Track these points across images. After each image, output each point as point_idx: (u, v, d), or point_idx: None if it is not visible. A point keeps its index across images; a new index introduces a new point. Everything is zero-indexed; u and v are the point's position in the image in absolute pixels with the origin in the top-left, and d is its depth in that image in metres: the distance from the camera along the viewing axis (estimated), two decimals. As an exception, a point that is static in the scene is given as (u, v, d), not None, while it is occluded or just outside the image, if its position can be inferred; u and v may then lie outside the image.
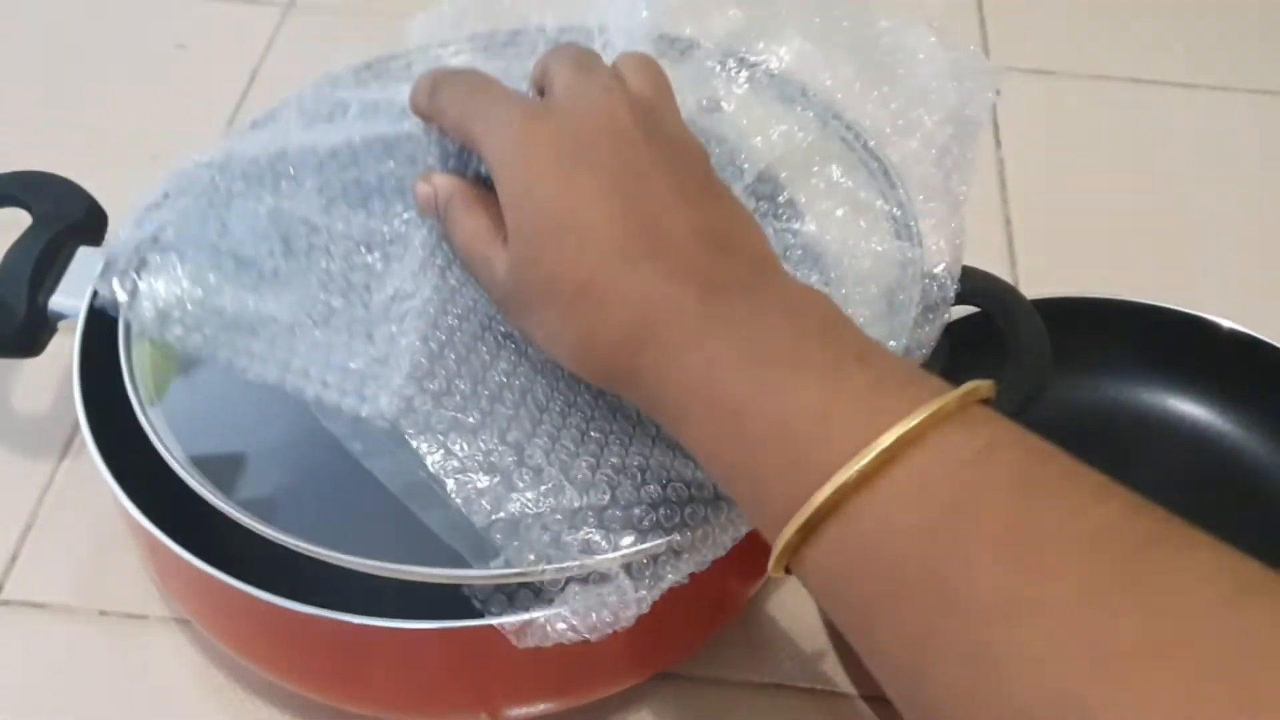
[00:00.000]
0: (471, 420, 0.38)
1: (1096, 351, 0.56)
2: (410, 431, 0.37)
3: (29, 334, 0.47)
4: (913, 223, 0.45)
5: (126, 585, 0.51)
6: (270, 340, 0.41)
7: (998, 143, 0.72)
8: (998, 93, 0.48)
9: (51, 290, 0.47)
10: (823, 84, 0.48)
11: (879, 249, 0.44)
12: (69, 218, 0.48)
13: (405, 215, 0.42)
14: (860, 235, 0.45)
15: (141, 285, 0.43)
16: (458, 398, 0.38)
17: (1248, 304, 0.61)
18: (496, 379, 0.39)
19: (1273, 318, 0.57)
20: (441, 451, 0.37)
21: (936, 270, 0.44)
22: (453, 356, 0.39)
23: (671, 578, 0.38)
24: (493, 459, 0.38)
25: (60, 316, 0.48)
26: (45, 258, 0.47)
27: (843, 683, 0.50)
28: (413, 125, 0.42)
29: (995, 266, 0.63)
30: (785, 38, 0.49)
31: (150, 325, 0.43)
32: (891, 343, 0.42)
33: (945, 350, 0.44)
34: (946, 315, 0.44)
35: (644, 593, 0.37)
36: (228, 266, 0.43)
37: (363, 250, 0.42)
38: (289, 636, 0.41)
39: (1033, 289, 0.62)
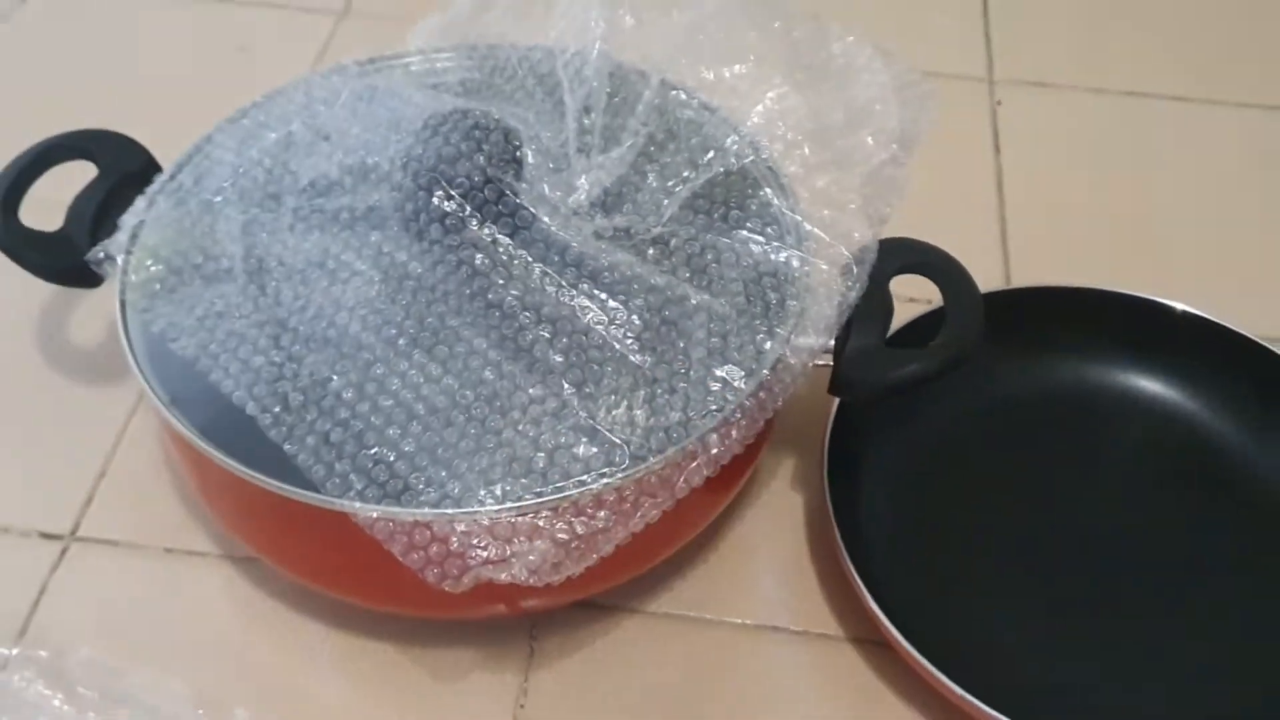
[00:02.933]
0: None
1: (1077, 336, 0.61)
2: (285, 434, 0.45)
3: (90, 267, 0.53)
4: (811, 235, 0.52)
5: (187, 526, 0.57)
6: (201, 321, 0.49)
7: (996, 149, 0.77)
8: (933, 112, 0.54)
9: (112, 230, 0.53)
10: (768, 103, 0.54)
11: (773, 257, 0.51)
12: (128, 169, 0.56)
13: (354, 244, 0.49)
14: (761, 246, 0.51)
15: (132, 259, 0.52)
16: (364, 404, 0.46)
17: (1220, 294, 0.66)
18: (417, 391, 0.46)
19: (1244, 305, 0.62)
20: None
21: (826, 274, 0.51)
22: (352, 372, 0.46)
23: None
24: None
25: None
26: (108, 202, 0.54)
27: (830, 626, 0.55)
28: (382, 160, 0.50)
29: (989, 258, 0.70)
30: (737, 55, 0.55)
31: (131, 288, 0.51)
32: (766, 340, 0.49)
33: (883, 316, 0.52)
34: (848, 302, 0.51)
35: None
36: (197, 257, 0.51)
37: (310, 267, 0.49)
38: (311, 531, 0.48)
39: (1021, 279, 0.68)
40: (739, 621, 0.55)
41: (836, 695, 0.53)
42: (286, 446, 0.45)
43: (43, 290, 0.62)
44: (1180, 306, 0.60)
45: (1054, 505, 0.57)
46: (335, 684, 0.53)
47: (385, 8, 0.84)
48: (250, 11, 0.85)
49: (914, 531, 0.56)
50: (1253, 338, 0.59)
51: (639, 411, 0.47)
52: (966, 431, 0.60)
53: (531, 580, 0.44)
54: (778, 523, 0.59)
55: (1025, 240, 0.71)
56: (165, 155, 0.57)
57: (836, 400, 0.57)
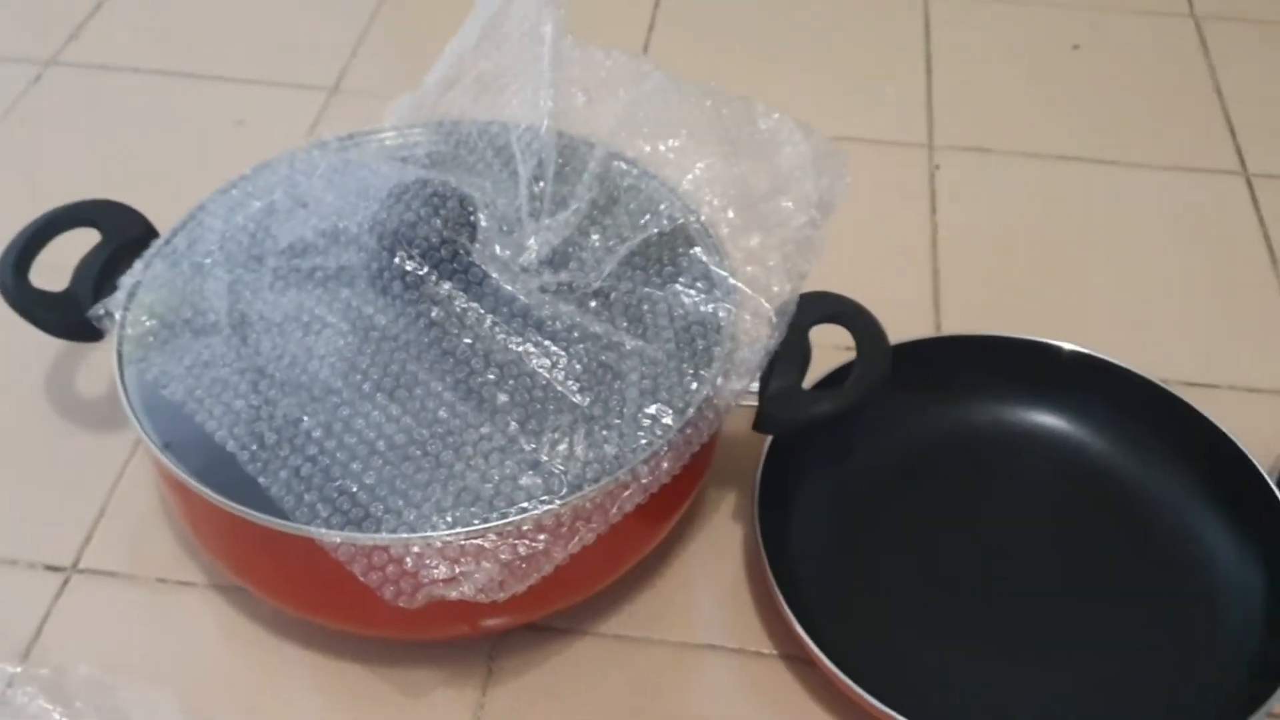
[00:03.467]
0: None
1: (991, 379, 0.67)
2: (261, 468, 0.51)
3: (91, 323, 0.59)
4: (735, 289, 0.58)
5: (179, 559, 0.63)
6: (189, 369, 0.55)
7: (933, 209, 0.83)
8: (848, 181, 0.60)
9: (113, 290, 0.59)
10: (697, 172, 0.60)
11: (703, 309, 0.57)
12: (129, 235, 0.62)
13: (326, 299, 0.55)
14: (692, 299, 0.58)
15: (129, 315, 0.58)
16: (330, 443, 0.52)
17: (1135, 340, 0.72)
18: (380, 430, 0.52)
19: (1156, 350, 0.69)
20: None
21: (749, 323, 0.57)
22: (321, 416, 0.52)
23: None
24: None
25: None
26: (109, 264, 0.61)
27: (764, 645, 0.60)
28: (352, 224, 0.56)
29: (922, 310, 0.75)
30: (672, 130, 0.61)
31: (128, 341, 0.57)
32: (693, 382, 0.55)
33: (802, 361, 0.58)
34: (769, 349, 0.57)
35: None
36: (187, 313, 0.57)
37: (287, 321, 0.55)
38: (284, 557, 0.53)
39: (952, 329, 0.73)
40: (681, 641, 0.61)
41: (768, 708, 0.58)
42: (261, 480, 0.51)
43: (52, 345, 0.68)
44: (1069, 346, 0.66)
45: (968, 533, 0.63)
46: (311, 700, 0.58)
47: (372, 85, 0.91)
48: (248, 88, 0.91)
49: (839, 558, 0.62)
50: (1141, 374, 0.65)
51: (578, 446, 0.52)
52: (890, 468, 0.65)
53: (479, 597, 0.50)
54: (718, 551, 0.64)
55: (956, 294, 0.77)
56: (166, 222, 0.64)
57: (768, 443, 0.63)
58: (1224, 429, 0.63)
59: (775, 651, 0.60)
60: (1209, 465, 0.63)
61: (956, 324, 0.75)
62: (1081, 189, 0.86)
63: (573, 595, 0.58)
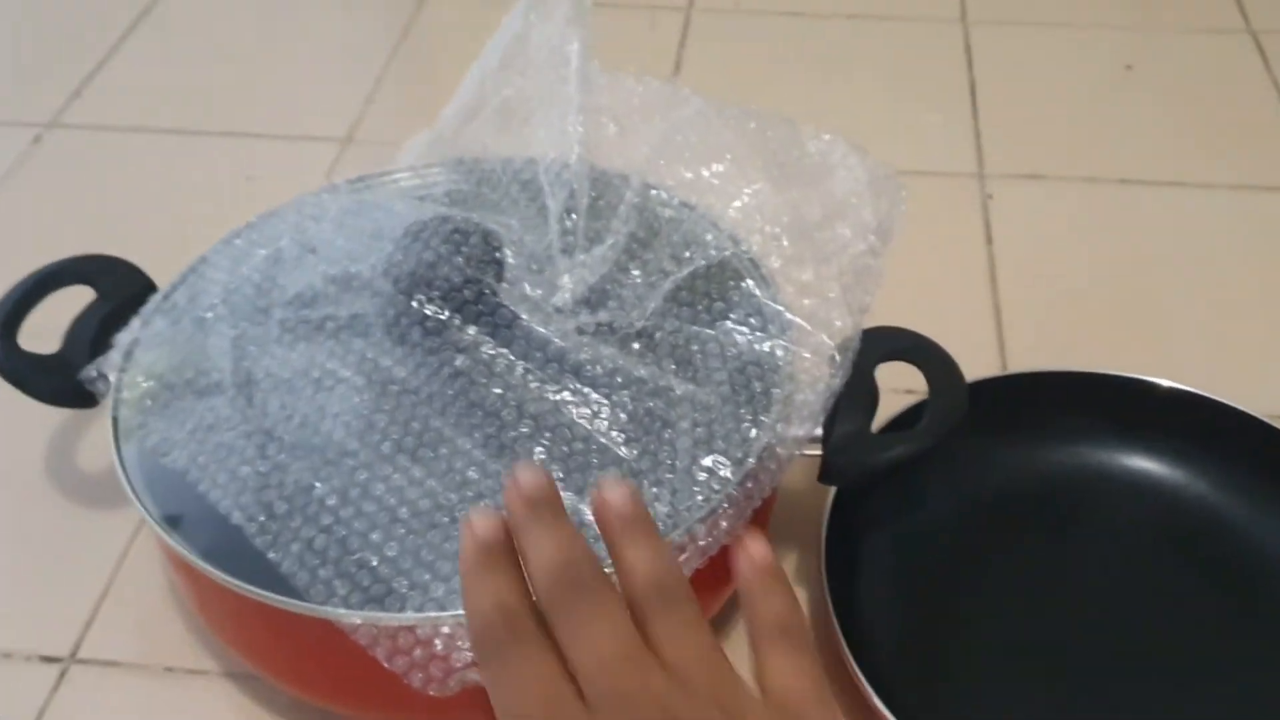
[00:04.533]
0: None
1: (1072, 420, 0.61)
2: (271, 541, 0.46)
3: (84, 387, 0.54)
4: (793, 324, 0.53)
5: (189, 644, 0.57)
6: (192, 434, 0.49)
7: (989, 240, 0.77)
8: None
9: (109, 349, 0.54)
10: (745, 199, 0.55)
11: (757, 348, 0.52)
12: (126, 293, 0.57)
13: (339, 352, 0.50)
14: (745, 337, 0.52)
15: (126, 377, 0.53)
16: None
17: (1218, 372, 0.65)
18: (402, 495, 0.46)
19: (1243, 382, 0.62)
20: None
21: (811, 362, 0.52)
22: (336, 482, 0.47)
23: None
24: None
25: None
26: (106, 324, 0.55)
27: None
28: (365, 268, 0.51)
29: (985, 347, 0.70)
30: (715, 155, 0.56)
31: (125, 405, 0.52)
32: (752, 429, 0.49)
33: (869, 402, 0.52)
34: (833, 390, 0.51)
35: None
36: (189, 373, 0.52)
37: (296, 377, 0.50)
38: (299, 640, 0.48)
39: (1017, 366, 0.67)
40: None
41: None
42: (271, 554, 0.46)
43: (52, 415, 0.63)
44: (1166, 382, 0.60)
45: (1058, 592, 0.56)
46: (332, 798, 0.52)
47: (385, 133, 0.86)
48: (259, 143, 0.87)
49: (918, 626, 0.55)
50: (1248, 411, 0.59)
51: (625, 505, 0.47)
52: (966, 521, 0.59)
53: (519, 680, 0.44)
54: (781, 619, 0.58)
55: (1020, 328, 0.71)
56: (168, 279, 0.58)
57: (832, 496, 0.57)
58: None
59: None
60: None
61: (1023, 361, 0.69)
62: (1146, 213, 0.80)
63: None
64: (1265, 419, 0.59)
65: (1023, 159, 0.84)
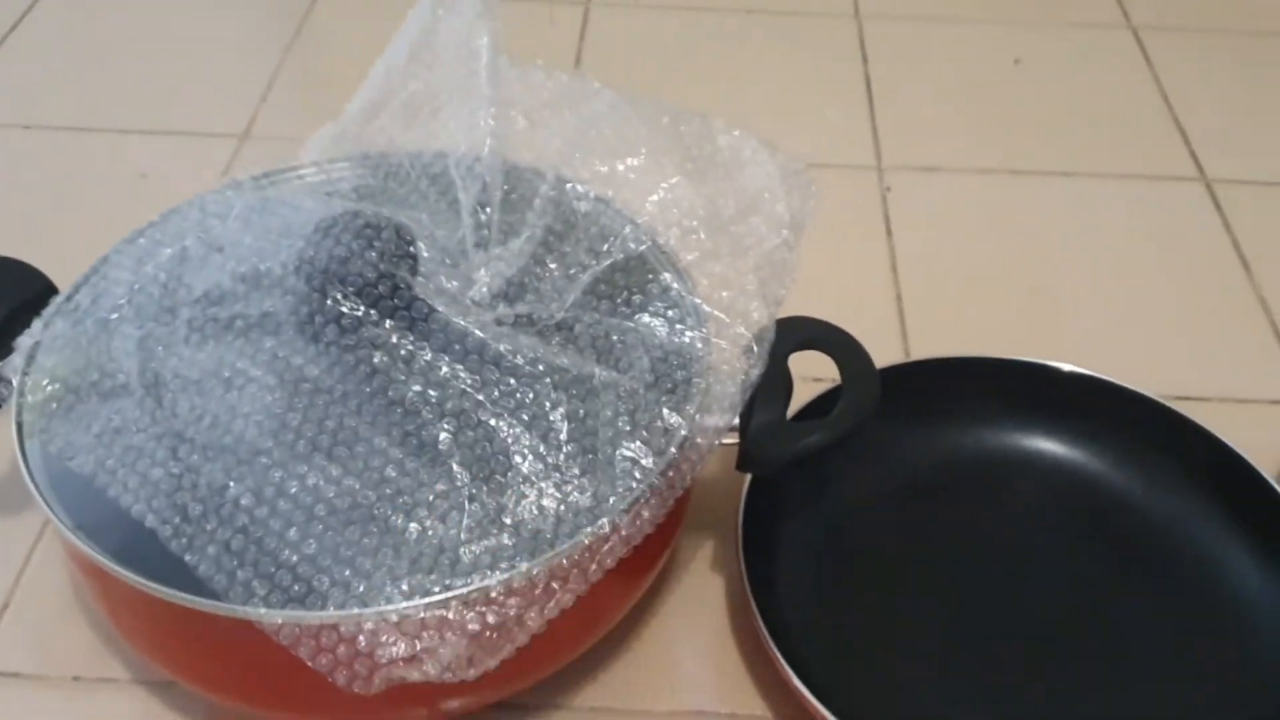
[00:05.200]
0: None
1: (975, 404, 0.63)
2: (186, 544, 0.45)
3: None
4: (711, 316, 0.53)
5: (98, 652, 0.56)
6: (98, 438, 0.48)
7: (889, 232, 0.79)
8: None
9: (9, 353, 0.52)
10: (662, 193, 0.56)
11: (676, 339, 0.52)
12: (25, 295, 0.55)
13: (249, 351, 0.49)
14: (665, 328, 0.53)
15: (28, 381, 0.51)
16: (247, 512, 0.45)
17: (1110, 354, 0.68)
18: (318, 494, 0.46)
19: (1134, 364, 0.64)
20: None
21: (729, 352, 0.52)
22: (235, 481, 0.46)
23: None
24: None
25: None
26: (5, 327, 0.53)
27: (758, 706, 0.55)
28: (274, 265, 0.50)
29: (888, 335, 0.71)
30: (630, 149, 0.56)
31: (28, 409, 0.50)
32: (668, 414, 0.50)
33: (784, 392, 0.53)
34: (750, 380, 0.52)
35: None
36: (93, 375, 0.50)
37: (206, 378, 0.49)
38: (219, 644, 0.47)
39: (920, 353, 0.69)
40: (666, 710, 0.55)
41: (767, 777, 0.53)
42: (187, 557, 0.45)
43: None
44: (1066, 367, 0.62)
45: (969, 569, 0.58)
46: (252, 805, 0.51)
47: (285, 129, 0.85)
48: (153, 139, 0.85)
49: (833, 604, 0.57)
50: (1140, 391, 0.61)
51: (548, 497, 0.47)
52: (877, 503, 0.60)
53: (445, 677, 0.44)
54: (699, 606, 0.59)
55: (921, 315, 0.73)
56: (68, 280, 0.57)
57: (748, 482, 0.58)
58: (1230, 444, 0.58)
59: (771, 713, 0.54)
60: (1218, 483, 0.59)
61: (925, 348, 0.71)
62: (1039, 202, 0.82)
63: (545, 668, 0.52)
64: (1155, 398, 0.61)
65: (919, 152, 0.86)
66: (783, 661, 0.51)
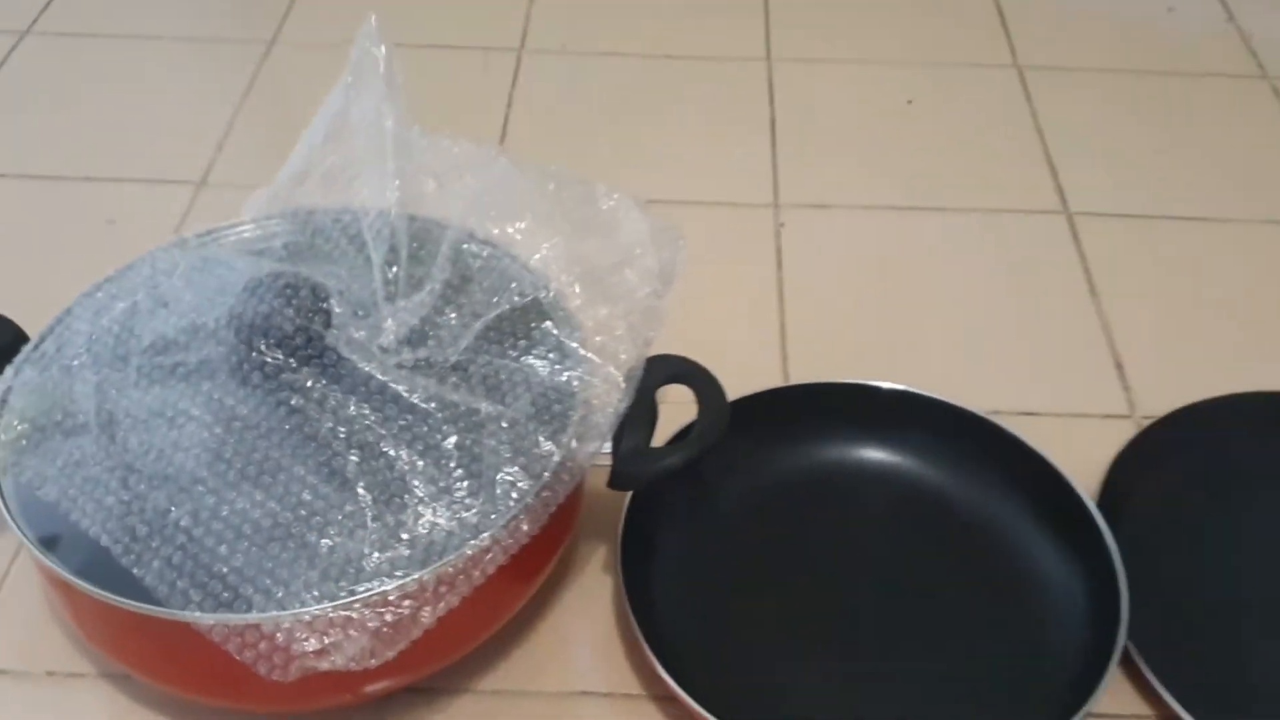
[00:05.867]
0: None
1: (823, 422, 0.72)
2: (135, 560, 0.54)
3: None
4: (585, 359, 0.62)
5: (67, 652, 0.65)
6: (61, 470, 0.57)
7: (779, 264, 0.88)
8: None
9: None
10: (544, 251, 0.65)
11: (556, 378, 0.61)
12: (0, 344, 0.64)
13: (189, 393, 0.58)
14: (546, 368, 0.62)
15: (1, 422, 0.60)
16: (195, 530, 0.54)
17: (967, 377, 0.77)
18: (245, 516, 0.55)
19: (983, 385, 0.75)
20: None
21: (601, 389, 0.61)
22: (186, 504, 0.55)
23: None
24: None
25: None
26: None
27: (634, 687, 0.64)
28: (210, 319, 0.60)
29: (771, 361, 0.80)
30: (518, 213, 0.65)
31: (2, 447, 0.59)
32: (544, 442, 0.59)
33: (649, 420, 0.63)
34: (619, 412, 0.61)
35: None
36: (57, 416, 0.60)
37: (152, 417, 0.58)
38: (164, 642, 0.56)
39: (799, 377, 0.78)
40: (557, 691, 0.64)
41: (641, 748, 0.62)
42: (135, 571, 0.54)
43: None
44: (887, 385, 0.72)
45: (815, 567, 0.68)
46: (201, 779, 0.60)
47: (237, 177, 0.94)
48: (118, 186, 0.94)
49: (699, 600, 0.66)
50: (961, 405, 0.71)
51: (440, 515, 0.56)
52: (741, 512, 0.70)
53: (350, 666, 0.53)
54: (590, 603, 0.68)
55: (803, 344, 0.82)
56: (39, 325, 0.65)
57: (629, 497, 0.67)
58: (1041, 452, 0.68)
59: (645, 693, 0.64)
60: (1030, 486, 0.68)
61: (803, 373, 0.79)
62: (913, 236, 0.91)
63: (448, 656, 0.61)
64: (979, 412, 0.71)
65: (812, 189, 0.95)
66: (649, 650, 0.60)
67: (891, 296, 0.87)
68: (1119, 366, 0.81)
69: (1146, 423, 0.75)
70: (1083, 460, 0.70)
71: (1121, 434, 0.74)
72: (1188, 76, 1.07)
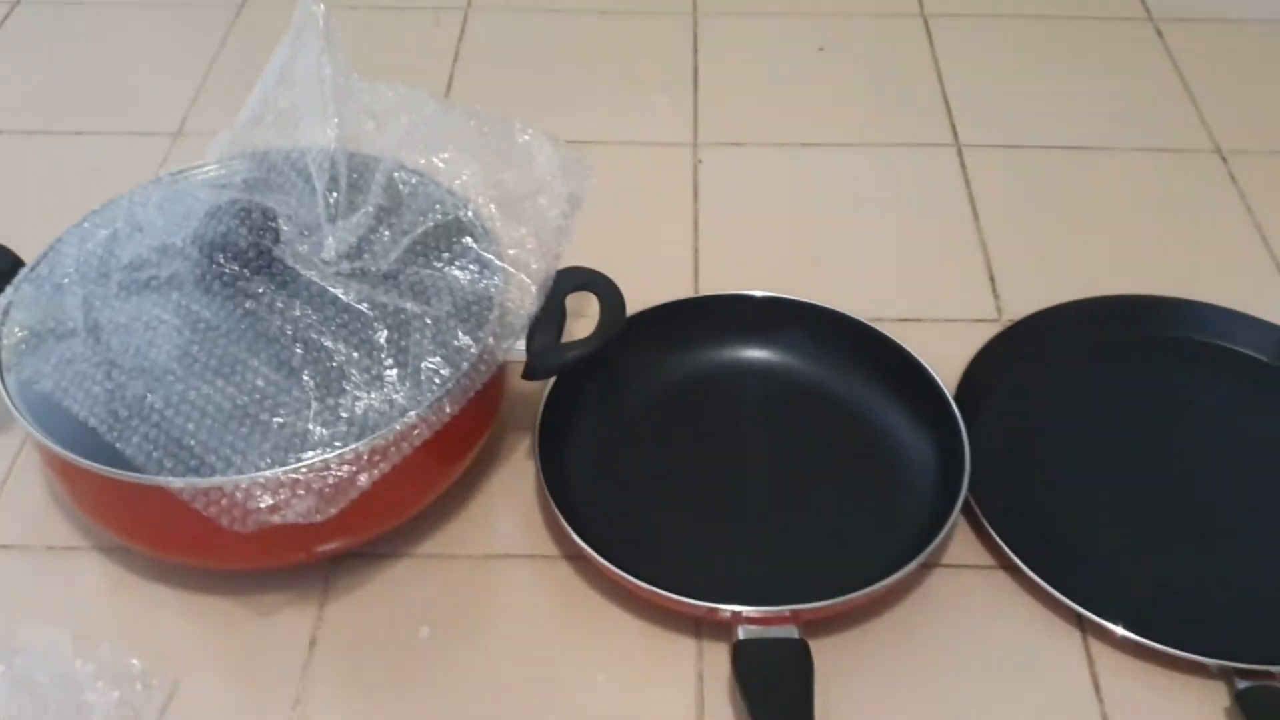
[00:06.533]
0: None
1: (714, 330, 0.83)
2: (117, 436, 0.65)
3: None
4: (501, 268, 0.72)
5: (66, 529, 0.76)
6: (55, 367, 0.68)
7: (695, 196, 0.99)
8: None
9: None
10: (465, 178, 0.75)
11: (477, 286, 0.72)
12: (3, 268, 0.75)
13: (161, 302, 0.69)
14: (467, 276, 0.72)
15: (4, 330, 0.71)
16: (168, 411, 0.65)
17: (854, 288, 0.87)
18: (209, 400, 0.66)
19: (876, 294, 0.85)
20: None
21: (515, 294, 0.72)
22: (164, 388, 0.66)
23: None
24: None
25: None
26: None
27: (550, 549, 0.75)
28: (179, 240, 0.70)
29: (684, 280, 0.90)
30: (444, 146, 0.76)
31: (6, 350, 0.70)
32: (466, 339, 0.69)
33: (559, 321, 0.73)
34: (531, 314, 0.72)
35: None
36: (51, 324, 0.70)
37: (131, 321, 0.68)
38: (143, 505, 0.66)
39: (709, 291, 0.89)
40: (484, 554, 0.75)
41: (555, 595, 0.73)
42: (118, 445, 0.64)
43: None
44: (761, 293, 0.83)
45: (706, 446, 0.79)
46: (182, 628, 0.71)
47: (210, 127, 1.02)
48: (102, 139, 1.04)
49: (605, 477, 0.77)
50: (834, 309, 0.82)
51: (373, 398, 0.67)
52: (644, 405, 0.81)
53: (299, 520, 0.63)
54: (515, 483, 0.78)
55: (713, 265, 0.92)
56: (34, 255, 0.76)
57: (547, 392, 0.78)
58: (899, 342, 0.79)
59: (559, 553, 0.75)
60: (891, 373, 0.79)
61: (713, 291, 0.90)
62: (819, 170, 1.02)
63: (389, 521, 0.72)
64: (849, 314, 0.82)
65: (729, 130, 1.05)
66: (559, 514, 0.71)
67: (797, 223, 0.97)
68: (992, 279, 0.92)
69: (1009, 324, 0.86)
70: (955, 356, 0.81)
71: (990, 334, 0.84)
72: (1080, 20, 1.17)
